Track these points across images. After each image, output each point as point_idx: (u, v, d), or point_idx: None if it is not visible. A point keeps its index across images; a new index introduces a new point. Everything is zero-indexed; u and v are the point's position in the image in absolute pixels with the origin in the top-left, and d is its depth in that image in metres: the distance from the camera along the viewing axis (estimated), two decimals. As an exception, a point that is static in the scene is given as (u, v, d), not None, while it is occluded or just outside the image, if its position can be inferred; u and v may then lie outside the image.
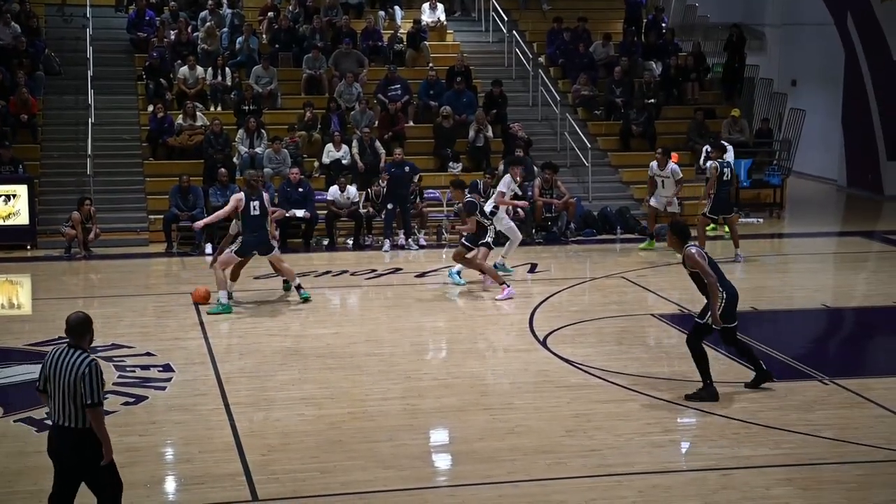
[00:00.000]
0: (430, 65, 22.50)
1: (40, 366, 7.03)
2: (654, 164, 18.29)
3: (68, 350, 6.87)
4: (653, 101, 22.65)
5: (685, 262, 10.30)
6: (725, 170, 17.15)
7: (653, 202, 18.30)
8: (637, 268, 16.78)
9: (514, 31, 24.08)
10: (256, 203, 13.86)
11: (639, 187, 20.94)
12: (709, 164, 18.68)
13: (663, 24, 25.18)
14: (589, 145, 21.10)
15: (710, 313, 10.17)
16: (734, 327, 10.38)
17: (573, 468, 8.75)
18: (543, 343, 12.42)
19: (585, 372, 11.21)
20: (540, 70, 23.11)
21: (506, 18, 24.42)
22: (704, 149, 19.81)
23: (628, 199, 20.81)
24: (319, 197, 18.86)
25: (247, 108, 20.47)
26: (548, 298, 14.63)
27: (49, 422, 7.04)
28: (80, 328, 6.91)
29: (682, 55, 24.07)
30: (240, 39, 22.27)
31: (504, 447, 9.18)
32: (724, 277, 10.35)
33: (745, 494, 8.25)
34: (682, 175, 18.24)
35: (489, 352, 12.60)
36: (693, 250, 10.20)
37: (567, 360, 11.70)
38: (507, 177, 16.03)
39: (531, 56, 23.71)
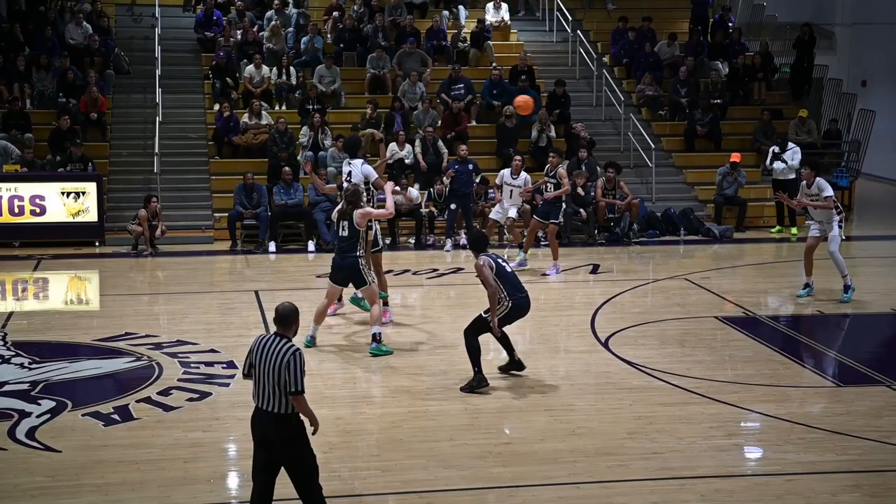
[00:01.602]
0: (494, 64, 22.48)
1: (247, 352, 7.28)
2: (506, 171, 16.81)
3: (274, 338, 7.14)
4: (719, 101, 22.39)
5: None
6: (551, 180, 16.07)
7: (494, 215, 16.98)
8: (700, 269, 16.61)
9: (579, 31, 23.96)
10: (345, 223, 12.00)
11: (703, 188, 20.74)
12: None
13: (730, 24, 24.90)
14: (653, 146, 20.91)
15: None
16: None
17: (635, 471, 8.69)
18: (605, 344, 12.34)
19: (648, 374, 11.12)
20: (604, 70, 22.98)
21: (570, 18, 24.31)
22: (771, 149, 19.50)
23: (692, 200, 20.61)
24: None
25: (311, 107, 20.63)
26: (610, 300, 14.54)
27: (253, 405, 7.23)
28: (287, 318, 7.20)
29: (749, 55, 23.77)
30: (305, 39, 22.46)
31: (565, 448, 9.14)
32: (520, 288, 10.72)
33: (811, 500, 8.13)
34: (530, 186, 16.73)
35: (550, 352, 12.53)
36: (481, 261, 10.56)
37: (629, 362, 11.62)
38: None
39: (595, 56, 23.56)
